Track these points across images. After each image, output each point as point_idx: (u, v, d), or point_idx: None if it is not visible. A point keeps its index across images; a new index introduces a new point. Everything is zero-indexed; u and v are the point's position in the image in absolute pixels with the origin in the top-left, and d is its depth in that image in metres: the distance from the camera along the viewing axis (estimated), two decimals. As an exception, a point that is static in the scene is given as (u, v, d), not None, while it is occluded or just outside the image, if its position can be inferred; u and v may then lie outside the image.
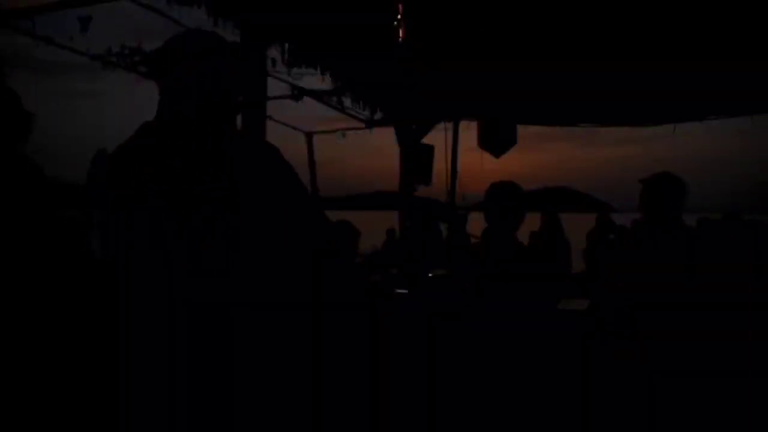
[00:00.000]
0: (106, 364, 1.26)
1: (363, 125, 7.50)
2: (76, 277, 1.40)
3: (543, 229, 7.40)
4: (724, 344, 2.50)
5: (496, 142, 7.02)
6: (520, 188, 2.94)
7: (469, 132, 7.42)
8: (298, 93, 6.31)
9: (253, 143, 1.37)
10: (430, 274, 5.31)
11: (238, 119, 1.54)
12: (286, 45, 4.71)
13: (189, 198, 1.23)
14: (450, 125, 7.47)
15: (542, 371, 2.66)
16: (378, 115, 7.17)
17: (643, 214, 2.88)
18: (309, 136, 8.00)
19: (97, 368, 1.29)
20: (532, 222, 3.84)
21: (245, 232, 1.27)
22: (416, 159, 7.10)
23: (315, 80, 5.33)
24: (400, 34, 3.99)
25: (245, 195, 1.27)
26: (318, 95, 6.51)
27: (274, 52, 4.68)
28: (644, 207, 2.85)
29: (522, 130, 7.18)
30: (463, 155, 7.73)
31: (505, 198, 2.91)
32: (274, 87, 5.61)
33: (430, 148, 7.28)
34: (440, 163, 7.41)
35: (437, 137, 7.71)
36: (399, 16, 3.90)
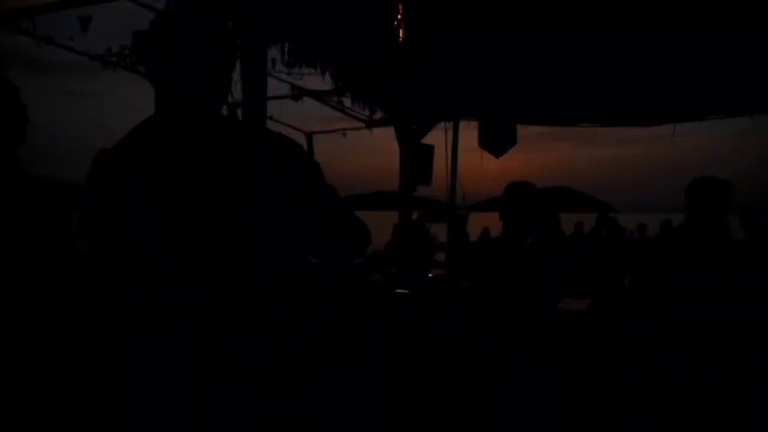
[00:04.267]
0: (95, 368, 1.26)
1: (363, 125, 7.51)
2: (73, 278, 1.40)
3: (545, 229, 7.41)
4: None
5: (496, 142, 7.02)
6: (537, 189, 2.95)
7: (469, 132, 7.43)
8: (298, 93, 6.32)
9: (274, 137, 1.37)
10: (430, 275, 5.31)
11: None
12: (286, 45, 4.71)
13: (201, 192, 1.23)
14: (450, 125, 7.47)
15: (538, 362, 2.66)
16: (378, 115, 7.17)
17: (687, 215, 2.89)
18: (309, 136, 8.01)
19: (86, 371, 1.29)
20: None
21: (261, 228, 1.26)
22: (416, 159, 7.11)
23: (315, 80, 5.33)
24: (401, 34, 3.99)
25: (262, 188, 1.26)
26: (318, 95, 6.51)
27: (274, 52, 4.68)
28: (689, 208, 2.87)
29: (522, 130, 7.18)
30: (463, 155, 7.75)
31: (523, 199, 2.91)
32: (274, 87, 5.62)
33: (430, 148, 7.29)
34: (440, 163, 7.42)
35: (437, 137, 7.71)
36: (399, 16, 3.89)
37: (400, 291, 4.09)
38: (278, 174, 1.29)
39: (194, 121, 1.33)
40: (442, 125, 7.39)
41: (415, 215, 7.91)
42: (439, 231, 9.11)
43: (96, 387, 1.27)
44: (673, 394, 2.58)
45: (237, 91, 3.65)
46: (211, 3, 3.78)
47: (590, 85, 5.57)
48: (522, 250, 2.94)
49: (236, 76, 3.62)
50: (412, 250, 6.49)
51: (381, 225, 7.41)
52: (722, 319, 2.58)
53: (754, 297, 2.61)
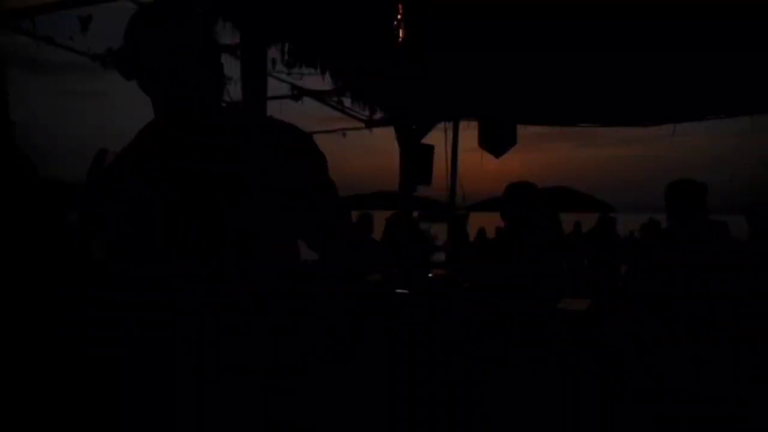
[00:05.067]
0: (99, 369, 1.26)
1: (363, 125, 7.51)
2: (73, 278, 1.40)
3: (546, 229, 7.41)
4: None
5: (496, 142, 7.02)
6: (537, 189, 2.96)
7: (469, 132, 7.44)
8: (298, 93, 6.32)
9: (278, 131, 1.36)
10: (430, 275, 5.31)
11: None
12: (286, 45, 4.71)
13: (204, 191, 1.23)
14: (450, 125, 7.48)
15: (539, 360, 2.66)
16: (378, 115, 7.17)
17: (669, 215, 2.92)
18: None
19: (90, 373, 1.29)
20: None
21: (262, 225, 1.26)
22: (416, 159, 7.11)
23: (315, 80, 5.34)
24: (401, 34, 3.99)
25: (267, 183, 1.26)
26: (318, 95, 6.51)
27: (274, 52, 4.68)
28: (671, 209, 2.89)
29: (522, 130, 7.19)
30: (463, 155, 7.75)
31: (524, 199, 2.92)
32: (274, 87, 5.62)
33: (430, 148, 7.29)
34: (440, 163, 7.42)
35: (437, 137, 7.72)
36: (399, 16, 3.89)
37: (400, 291, 4.09)
38: (279, 173, 1.29)
39: (195, 121, 1.33)
40: (442, 125, 7.40)
41: (415, 215, 7.91)
42: (439, 231, 9.11)
43: (96, 387, 1.27)
44: (673, 394, 2.58)
45: (237, 91, 3.65)
46: (210, 3, 3.79)
47: (590, 85, 5.57)
48: (522, 250, 2.94)
49: (236, 76, 3.63)
50: (410, 250, 6.49)
51: (381, 225, 7.41)
52: (722, 319, 2.58)
53: (754, 297, 2.61)
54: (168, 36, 1.30)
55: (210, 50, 1.34)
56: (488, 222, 10.62)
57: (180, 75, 1.30)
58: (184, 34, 1.31)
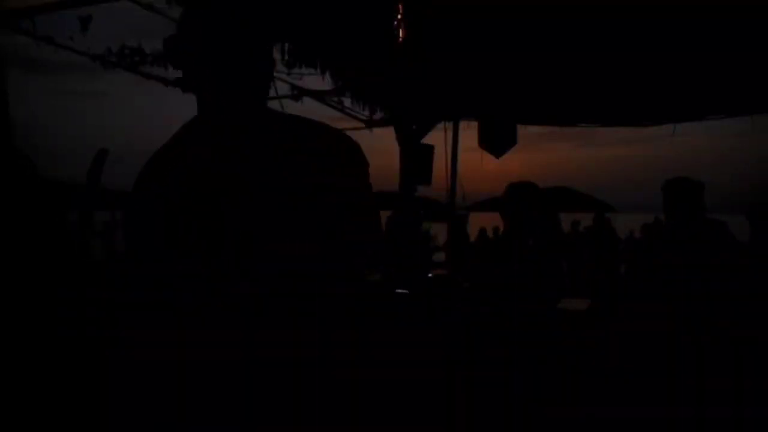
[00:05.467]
0: (101, 369, 1.26)
1: (363, 125, 7.51)
2: (74, 278, 1.40)
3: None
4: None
5: (496, 142, 7.02)
6: (539, 189, 2.96)
7: (469, 132, 7.43)
8: (298, 93, 6.32)
9: (295, 131, 1.36)
10: (430, 275, 5.31)
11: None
12: (286, 45, 4.71)
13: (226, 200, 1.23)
14: (450, 125, 7.47)
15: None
16: (378, 115, 7.17)
17: (667, 214, 2.92)
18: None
19: (92, 373, 1.29)
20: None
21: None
22: (416, 159, 7.11)
23: (315, 80, 5.34)
24: (401, 34, 3.99)
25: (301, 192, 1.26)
26: (318, 95, 6.51)
27: (274, 52, 4.68)
28: (669, 208, 2.89)
29: (522, 130, 7.18)
30: (463, 155, 7.75)
31: (524, 199, 2.92)
32: (273, 87, 5.62)
33: (430, 148, 7.29)
34: (440, 163, 7.42)
35: (437, 137, 7.71)
36: (399, 16, 3.89)
37: (400, 291, 4.09)
38: (278, 173, 1.29)
39: (195, 121, 1.33)
40: (442, 125, 7.39)
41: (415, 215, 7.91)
42: (439, 231, 9.11)
43: (96, 387, 1.27)
44: (673, 394, 2.58)
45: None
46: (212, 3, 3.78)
47: (590, 85, 5.57)
48: (522, 250, 2.94)
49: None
50: (410, 250, 6.50)
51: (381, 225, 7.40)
52: (722, 318, 2.58)
53: (754, 297, 2.61)
54: (173, 36, 1.32)
55: (216, 51, 1.36)
56: (488, 222, 10.62)
57: (185, 75, 1.32)
58: (188, 34, 1.33)
